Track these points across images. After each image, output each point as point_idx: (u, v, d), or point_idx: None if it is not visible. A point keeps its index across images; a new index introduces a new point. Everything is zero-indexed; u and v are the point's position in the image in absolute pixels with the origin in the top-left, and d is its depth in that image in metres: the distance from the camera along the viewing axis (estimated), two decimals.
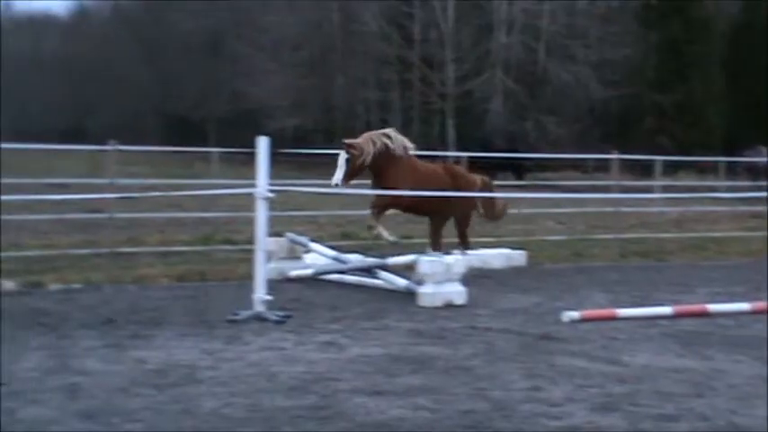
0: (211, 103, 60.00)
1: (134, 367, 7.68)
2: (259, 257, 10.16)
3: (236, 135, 44.90)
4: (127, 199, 11.65)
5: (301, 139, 49.75)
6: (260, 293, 10.02)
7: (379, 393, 6.96)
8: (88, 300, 11.03)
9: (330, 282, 12.47)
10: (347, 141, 12.45)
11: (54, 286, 11.89)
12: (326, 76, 54.06)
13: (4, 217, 16.40)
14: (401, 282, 11.60)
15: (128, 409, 6.46)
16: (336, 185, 12.20)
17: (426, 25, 49.82)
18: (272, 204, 10.41)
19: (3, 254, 13.86)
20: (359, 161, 12.28)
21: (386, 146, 12.52)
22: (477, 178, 13.70)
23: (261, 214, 10.17)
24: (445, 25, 48.81)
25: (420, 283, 11.11)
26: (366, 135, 12.72)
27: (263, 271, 10.13)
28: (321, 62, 54.56)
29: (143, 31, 68.13)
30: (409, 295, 11.19)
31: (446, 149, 41.71)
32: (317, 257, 12.97)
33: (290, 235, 13.10)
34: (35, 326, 9.35)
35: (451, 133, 48.33)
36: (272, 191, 10.22)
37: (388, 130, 12.88)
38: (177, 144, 38.65)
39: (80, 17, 79.13)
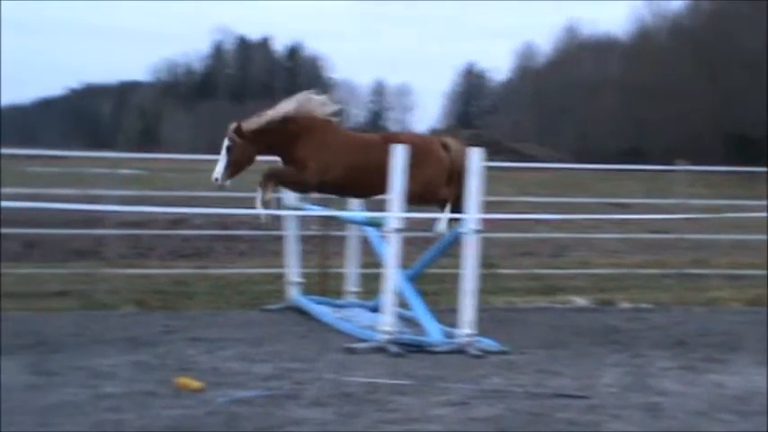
0: None
1: (712, 391, 7.58)
2: None
3: None
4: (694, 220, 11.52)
5: None
6: None
7: None
8: (658, 320, 11.09)
9: None
10: (234, 124, 9.36)
11: (624, 305, 12.10)
12: None
13: (574, 235, 17.06)
14: None
15: None
16: (216, 181, 9.21)
17: None
18: None
19: (573, 271, 14.37)
20: (242, 148, 9.30)
21: (285, 117, 9.45)
22: (436, 140, 10.03)
23: None
24: None
25: None
26: (264, 112, 9.58)
27: None
28: None
29: (703, 49, 67.27)
30: None
31: None
32: None
33: None
34: (608, 343, 9.58)
35: None
36: None
37: (298, 96, 9.66)
38: (736, 163, 37.55)
39: (640, 38, 79.92)
